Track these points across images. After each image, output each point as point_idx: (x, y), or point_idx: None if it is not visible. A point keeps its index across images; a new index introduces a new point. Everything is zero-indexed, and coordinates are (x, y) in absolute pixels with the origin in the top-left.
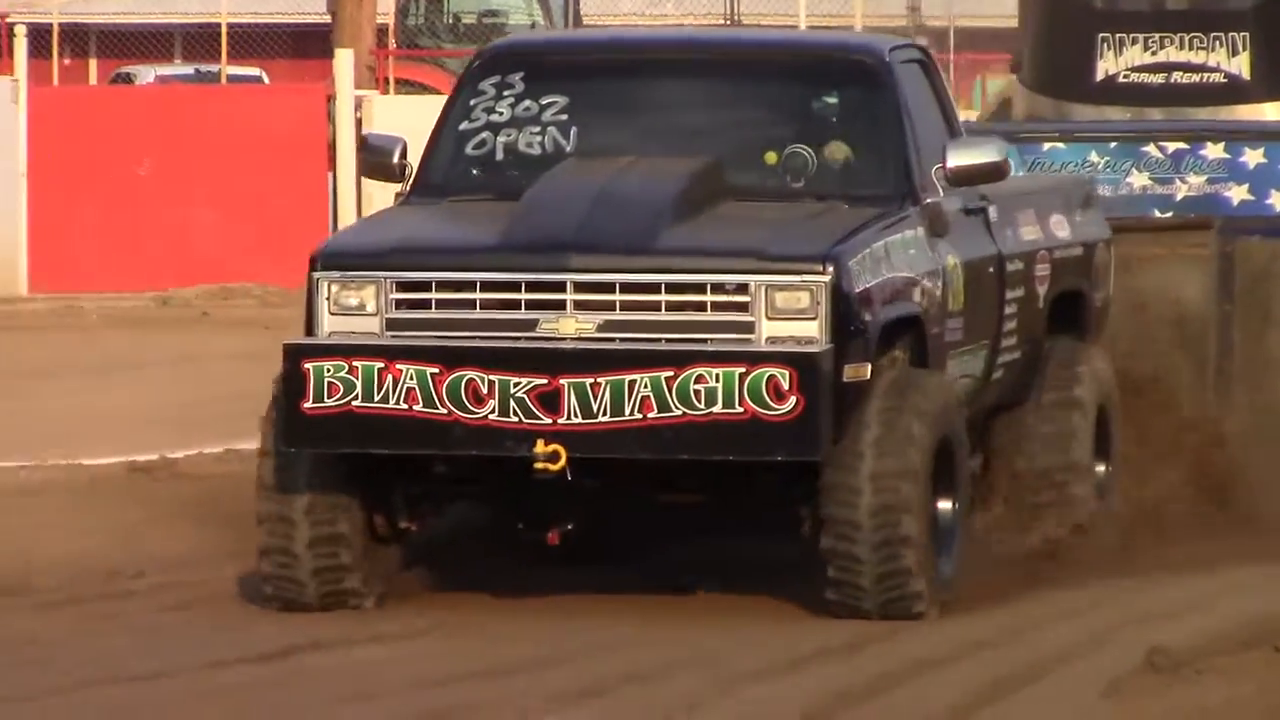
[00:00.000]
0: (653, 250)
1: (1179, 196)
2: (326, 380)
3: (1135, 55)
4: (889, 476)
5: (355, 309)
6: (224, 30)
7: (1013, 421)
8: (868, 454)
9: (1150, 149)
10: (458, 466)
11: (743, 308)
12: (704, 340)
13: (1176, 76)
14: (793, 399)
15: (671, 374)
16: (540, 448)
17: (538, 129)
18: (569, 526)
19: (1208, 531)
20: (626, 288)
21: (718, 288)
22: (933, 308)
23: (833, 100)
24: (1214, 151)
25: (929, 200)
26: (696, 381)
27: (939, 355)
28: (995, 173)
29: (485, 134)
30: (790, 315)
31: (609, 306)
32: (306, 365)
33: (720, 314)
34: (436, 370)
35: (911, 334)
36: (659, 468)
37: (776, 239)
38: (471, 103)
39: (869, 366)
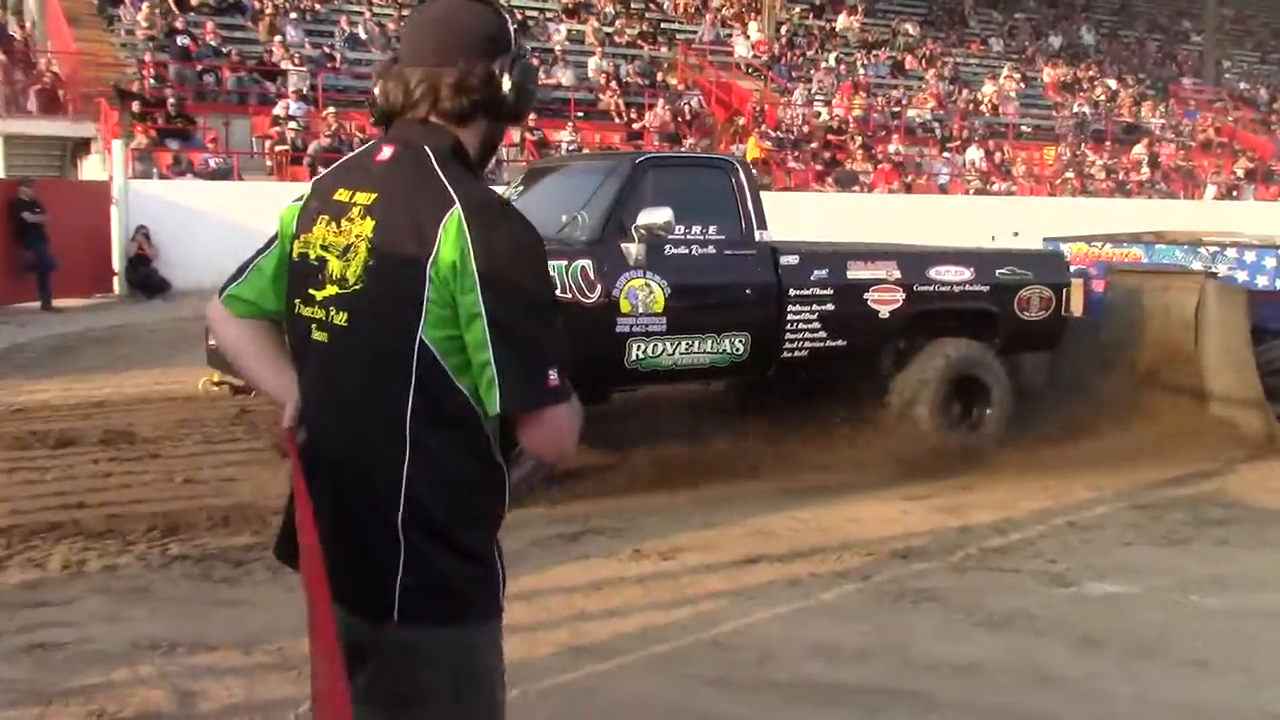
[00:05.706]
0: None
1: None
2: None
3: None
4: None
5: None
6: None
7: (896, 382)
8: None
9: (1229, 251)
10: None
11: None
12: None
13: None
14: None
15: None
16: None
17: None
18: None
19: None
20: None
21: None
22: (589, 312)
23: (601, 186)
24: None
25: (623, 244)
26: None
27: (606, 340)
28: (666, 228)
29: None
30: None
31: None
32: None
33: None
34: None
35: None
36: None
37: None
38: None
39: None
